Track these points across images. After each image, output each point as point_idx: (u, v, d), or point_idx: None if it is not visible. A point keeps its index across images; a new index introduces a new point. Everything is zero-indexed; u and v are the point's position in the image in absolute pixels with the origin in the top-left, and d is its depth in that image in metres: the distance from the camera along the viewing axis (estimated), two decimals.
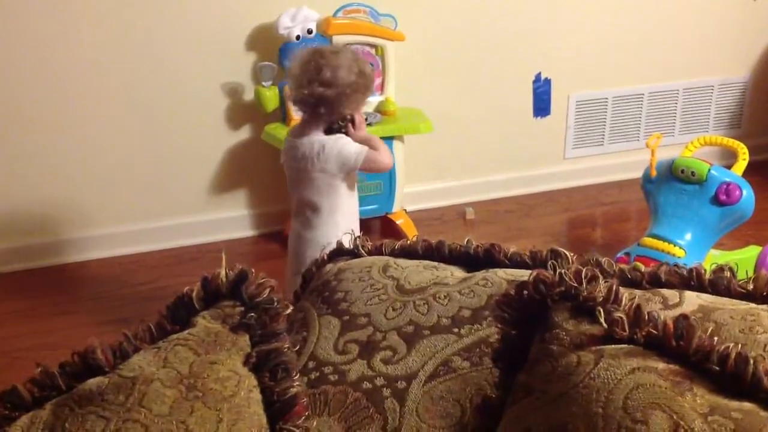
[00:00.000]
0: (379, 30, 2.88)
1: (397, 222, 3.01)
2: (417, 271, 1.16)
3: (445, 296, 1.09)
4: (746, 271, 2.49)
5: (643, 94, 3.43)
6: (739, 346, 0.74)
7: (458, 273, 1.15)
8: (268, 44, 2.85)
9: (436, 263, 1.18)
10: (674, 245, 2.39)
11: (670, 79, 3.45)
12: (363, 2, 2.87)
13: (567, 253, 1.09)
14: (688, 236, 2.42)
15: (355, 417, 0.99)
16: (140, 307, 2.56)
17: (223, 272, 0.96)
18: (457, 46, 3.13)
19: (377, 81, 2.91)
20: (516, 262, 1.13)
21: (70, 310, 2.58)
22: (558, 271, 0.85)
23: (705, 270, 0.99)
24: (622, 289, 0.85)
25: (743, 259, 2.55)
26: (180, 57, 2.81)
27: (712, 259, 2.50)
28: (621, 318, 0.79)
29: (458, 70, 3.16)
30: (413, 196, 3.20)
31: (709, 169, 2.42)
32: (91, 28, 2.69)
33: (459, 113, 3.20)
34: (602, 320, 0.80)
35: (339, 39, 2.79)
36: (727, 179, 2.41)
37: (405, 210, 3.09)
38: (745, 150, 2.53)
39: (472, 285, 1.10)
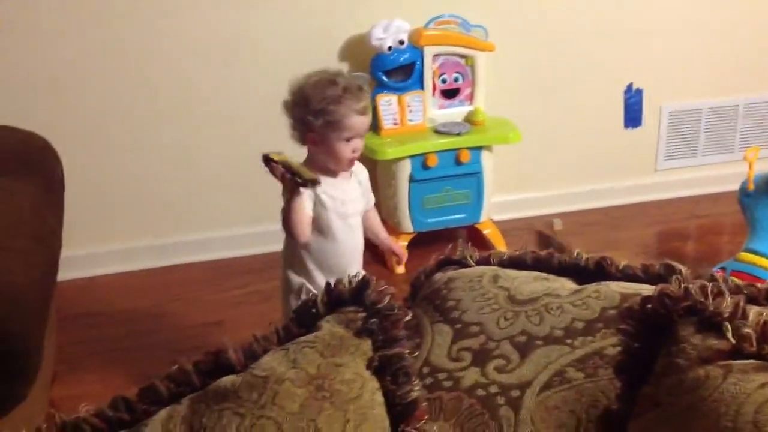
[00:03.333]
0: (470, 40, 2.90)
1: (484, 232, 3.02)
2: (527, 282, 1.17)
3: (557, 307, 1.10)
4: None
5: (738, 105, 3.34)
6: None
7: (569, 285, 1.16)
8: (360, 55, 2.90)
9: (546, 274, 1.20)
10: None
11: (766, 90, 3.36)
12: (454, 13, 2.90)
13: (681, 268, 1.09)
14: None
15: (470, 423, 1.01)
16: (234, 311, 2.63)
17: (346, 279, 1.00)
18: (547, 57, 3.12)
19: (467, 91, 2.93)
20: (628, 275, 1.14)
21: (166, 311, 2.68)
22: (683, 285, 0.85)
23: None
24: (748, 305, 0.85)
25: None
26: (274, 68, 2.87)
27: None
28: (749, 333, 0.80)
29: (548, 80, 3.15)
30: (500, 205, 3.20)
31: None
32: (183, 41, 2.80)
33: (548, 123, 3.19)
34: (730, 335, 0.81)
35: (430, 49, 2.83)
36: None
37: (492, 220, 3.10)
38: None
39: (584, 297, 1.11)
